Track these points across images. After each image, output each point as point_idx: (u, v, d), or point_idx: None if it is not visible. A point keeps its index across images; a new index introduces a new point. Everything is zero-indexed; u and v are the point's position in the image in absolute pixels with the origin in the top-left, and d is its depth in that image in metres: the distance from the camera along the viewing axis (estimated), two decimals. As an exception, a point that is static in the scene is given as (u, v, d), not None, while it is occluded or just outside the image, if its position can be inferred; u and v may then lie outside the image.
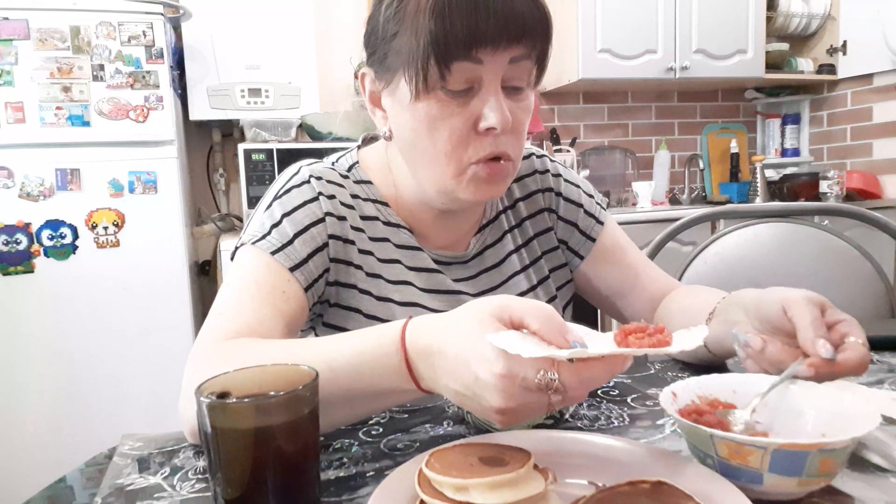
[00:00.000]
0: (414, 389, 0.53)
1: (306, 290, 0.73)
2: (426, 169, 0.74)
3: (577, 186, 0.92)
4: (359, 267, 0.78)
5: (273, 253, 0.72)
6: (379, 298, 0.79)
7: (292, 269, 0.72)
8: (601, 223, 0.91)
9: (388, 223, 0.81)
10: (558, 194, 0.91)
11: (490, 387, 0.46)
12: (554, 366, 0.45)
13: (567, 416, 0.64)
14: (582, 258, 0.90)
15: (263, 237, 0.73)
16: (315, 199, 0.77)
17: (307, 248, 0.74)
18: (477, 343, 0.47)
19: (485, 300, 0.50)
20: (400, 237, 0.82)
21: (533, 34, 0.68)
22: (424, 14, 0.65)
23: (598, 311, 1.91)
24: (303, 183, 0.78)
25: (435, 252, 0.83)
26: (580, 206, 0.91)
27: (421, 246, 0.82)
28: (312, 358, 0.55)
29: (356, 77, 0.93)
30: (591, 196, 0.92)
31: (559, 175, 0.92)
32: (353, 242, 0.78)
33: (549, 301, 0.87)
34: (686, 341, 0.47)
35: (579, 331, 0.49)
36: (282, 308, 0.70)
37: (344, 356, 0.55)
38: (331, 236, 0.76)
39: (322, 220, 0.76)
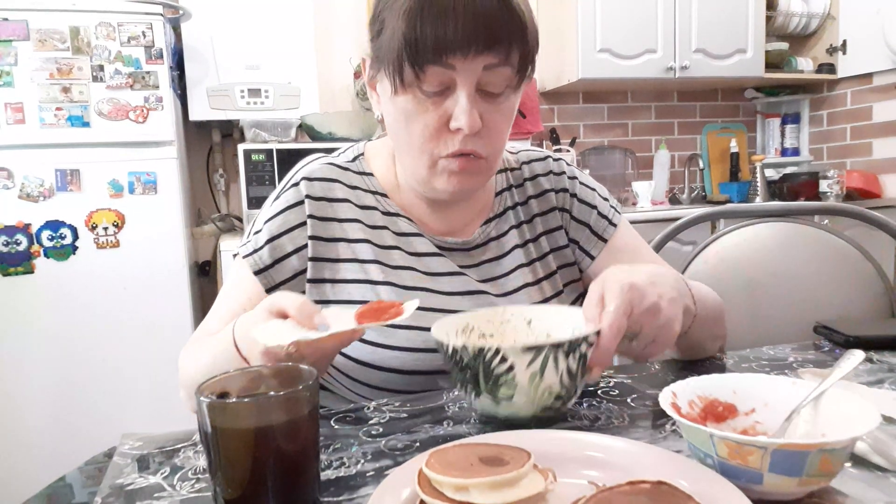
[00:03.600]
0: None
1: (268, 292, 0.79)
2: (405, 157, 0.79)
3: (593, 190, 0.95)
4: (351, 260, 0.81)
5: (245, 257, 0.81)
6: (378, 283, 0.80)
7: (257, 273, 0.80)
8: (614, 225, 0.92)
9: (386, 213, 0.85)
10: (573, 195, 0.93)
11: (258, 357, 0.61)
12: (298, 344, 0.58)
13: (570, 404, 0.64)
14: (593, 258, 0.92)
15: (245, 244, 0.82)
16: (300, 202, 0.81)
17: (277, 253, 0.80)
18: (249, 331, 0.61)
19: (265, 300, 0.64)
20: (398, 226, 0.84)
21: (505, 42, 0.69)
22: (400, 17, 0.68)
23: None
24: (292, 187, 0.83)
25: (438, 238, 0.85)
26: (594, 207, 0.93)
27: (422, 232, 0.85)
28: (204, 354, 0.73)
29: (356, 77, 0.94)
30: (605, 199, 0.94)
31: (575, 178, 0.94)
32: (341, 239, 0.82)
33: (555, 296, 0.88)
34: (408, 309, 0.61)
35: (331, 316, 0.61)
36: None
37: (218, 349, 0.70)
38: (312, 237, 0.81)
39: (303, 224, 0.81)
